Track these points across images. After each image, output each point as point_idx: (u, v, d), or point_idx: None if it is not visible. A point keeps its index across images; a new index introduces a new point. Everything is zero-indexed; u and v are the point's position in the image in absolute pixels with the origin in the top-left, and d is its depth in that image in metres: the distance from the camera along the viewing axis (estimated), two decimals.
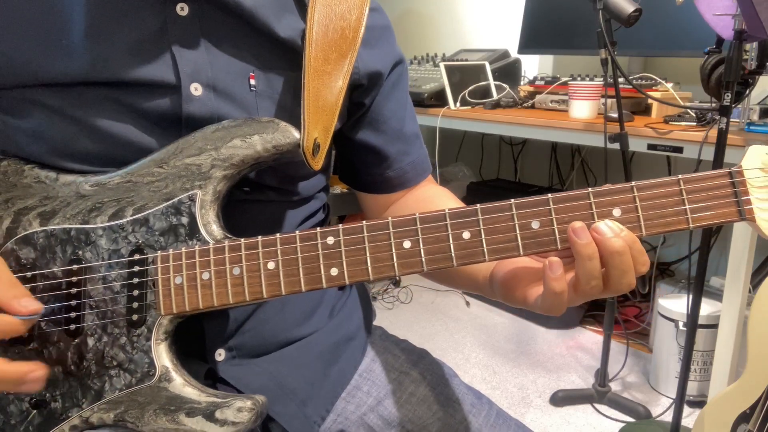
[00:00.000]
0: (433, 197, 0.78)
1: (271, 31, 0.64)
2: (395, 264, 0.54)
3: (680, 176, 0.52)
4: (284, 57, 0.65)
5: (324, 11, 0.65)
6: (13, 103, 0.60)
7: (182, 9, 0.61)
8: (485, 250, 0.53)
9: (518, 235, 0.53)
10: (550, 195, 0.53)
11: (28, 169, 0.61)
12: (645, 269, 0.52)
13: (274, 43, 0.65)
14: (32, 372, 0.51)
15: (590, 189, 0.52)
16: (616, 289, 0.51)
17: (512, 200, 0.53)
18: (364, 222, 0.54)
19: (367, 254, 0.54)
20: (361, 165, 0.76)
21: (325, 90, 0.64)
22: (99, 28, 0.59)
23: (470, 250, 0.53)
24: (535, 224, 0.52)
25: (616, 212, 0.52)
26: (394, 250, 0.54)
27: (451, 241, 0.53)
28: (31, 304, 0.52)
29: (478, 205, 0.53)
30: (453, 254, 0.53)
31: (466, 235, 0.53)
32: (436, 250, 0.53)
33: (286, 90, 0.66)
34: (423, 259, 0.53)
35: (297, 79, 0.64)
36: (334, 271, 0.54)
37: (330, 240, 0.55)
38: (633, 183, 0.52)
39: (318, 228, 0.55)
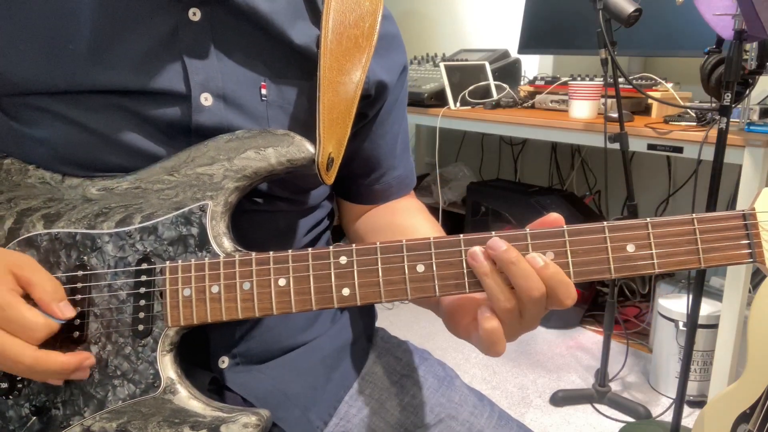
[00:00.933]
0: (399, 210, 0.78)
1: (287, 38, 0.63)
2: (408, 288, 0.53)
3: (695, 215, 0.52)
4: (297, 65, 0.64)
5: (338, 18, 0.64)
6: (18, 110, 0.59)
7: (194, 14, 0.60)
8: None
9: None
10: (565, 227, 0.53)
11: (33, 169, 0.60)
12: (569, 302, 0.51)
13: (287, 51, 0.64)
14: (88, 359, 0.54)
15: (606, 223, 0.53)
16: (527, 299, 0.51)
17: (528, 230, 0.53)
18: (377, 243, 0.54)
19: (380, 276, 0.54)
20: (348, 174, 0.76)
21: (339, 102, 0.63)
22: (108, 34, 0.58)
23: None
24: (549, 255, 0.52)
25: (630, 248, 0.52)
26: (407, 274, 0.54)
27: (464, 268, 0.53)
28: (69, 311, 0.54)
29: (494, 233, 0.53)
30: (466, 281, 0.53)
31: None
32: (450, 276, 0.53)
33: (298, 100, 0.65)
34: (436, 284, 0.53)
35: (309, 89, 0.64)
36: (345, 292, 0.54)
37: (343, 259, 0.54)
38: (648, 220, 0.52)
39: (331, 246, 0.55)
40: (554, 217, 0.53)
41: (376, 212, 0.79)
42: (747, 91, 1.37)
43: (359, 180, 0.76)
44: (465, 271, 0.53)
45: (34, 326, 0.51)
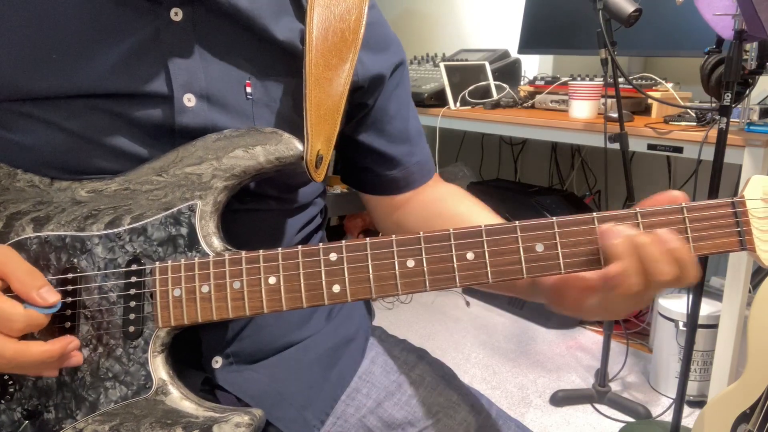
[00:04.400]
0: (444, 197, 0.78)
1: (269, 34, 0.63)
2: (398, 283, 0.53)
3: (684, 204, 0.52)
4: (282, 62, 0.64)
5: (323, 13, 0.63)
6: (2, 116, 0.58)
7: (176, 14, 0.60)
8: (489, 272, 0.53)
9: (522, 258, 0.53)
10: (555, 219, 0.53)
11: (21, 173, 0.59)
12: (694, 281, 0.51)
13: (271, 48, 0.63)
14: (71, 343, 0.53)
15: (595, 214, 0.52)
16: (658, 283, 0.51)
17: (517, 222, 0.53)
18: (367, 239, 0.54)
19: (370, 272, 0.54)
20: (365, 166, 0.75)
21: (327, 98, 0.62)
22: (91, 40, 0.58)
23: (474, 271, 0.53)
24: (539, 247, 0.52)
25: None
26: (397, 269, 0.53)
27: (455, 262, 0.53)
28: (51, 296, 0.52)
29: (483, 226, 0.53)
30: (456, 275, 0.53)
31: (470, 255, 0.53)
32: (440, 270, 0.53)
33: (283, 97, 0.64)
34: (426, 279, 0.53)
35: (295, 86, 0.63)
36: (336, 288, 0.54)
37: (333, 256, 0.54)
38: (637, 210, 0.52)
39: (320, 243, 0.55)
40: (674, 195, 0.53)
41: (419, 203, 0.77)
42: (747, 91, 1.37)
43: (377, 170, 0.75)
44: (455, 265, 0.53)
45: (12, 317, 0.50)
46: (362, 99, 0.70)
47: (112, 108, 0.59)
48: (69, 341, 0.53)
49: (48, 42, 0.57)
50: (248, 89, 0.63)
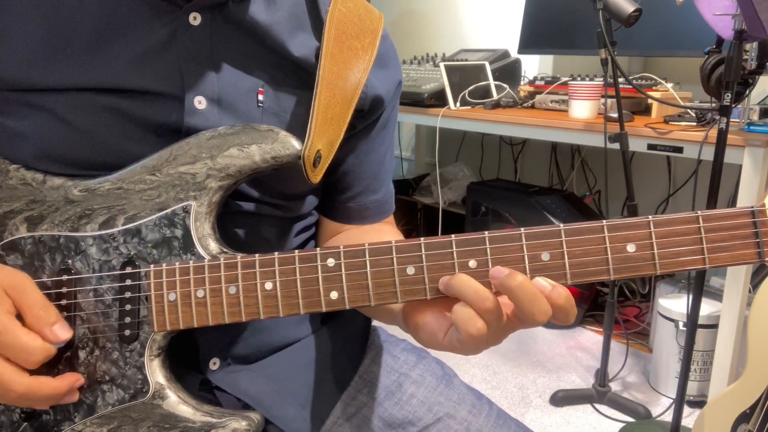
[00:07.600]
0: (376, 231, 0.76)
1: (285, 49, 0.63)
2: (398, 291, 0.52)
3: (699, 212, 0.49)
4: (295, 75, 0.64)
5: (340, 28, 0.64)
6: (4, 104, 0.58)
7: (195, 19, 0.60)
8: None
9: (527, 267, 0.50)
10: (562, 226, 0.50)
11: (14, 170, 0.58)
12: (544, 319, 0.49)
13: (286, 62, 0.64)
14: (77, 381, 0.54)
15: (605, 222, 0.50)
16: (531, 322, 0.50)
17: (522, 229, 0.51)
18: (366, 244, 0.52)
19: (369, 279, 0.52)
20: (326, 187, 0.74)
21: (336, 104, 0.62)
22: (106, 37, 0.58)
23: (476, 280, 0.50)
24: (545, 256, 0.50)
25: (631, 248, 0.49)
26: (397, 276, 0.52)
27: (456, 270, 0.51)
28: (64, 333, 0.52)
29: (486, 233, 0.51)
30: None
31: (472, 263, 0.51)
32: (441, 279, 0.51)
33: (295, 108, 0.64)
34: (427, 288, 0.51)
35: (307, 98, 0.63)
36: (334, 295, 0.52)
37: (331, 262, 0.53)
38: (650, 218, 0.49)
39: (318, 249, 0.53)
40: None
41: (348, 233, 0.76)
42: (747, 91, 1.37)
43: (335, 195, 0.74)
44: (457, 273, 0.51)
45: (31, 350, 0.50)
46: (355, 121, 0.69)
47: (119, 104, 0.58)
48: (76, 379, 0.54)
49: (63, 37, 0.57)
50: (260, 97, 0.63)
